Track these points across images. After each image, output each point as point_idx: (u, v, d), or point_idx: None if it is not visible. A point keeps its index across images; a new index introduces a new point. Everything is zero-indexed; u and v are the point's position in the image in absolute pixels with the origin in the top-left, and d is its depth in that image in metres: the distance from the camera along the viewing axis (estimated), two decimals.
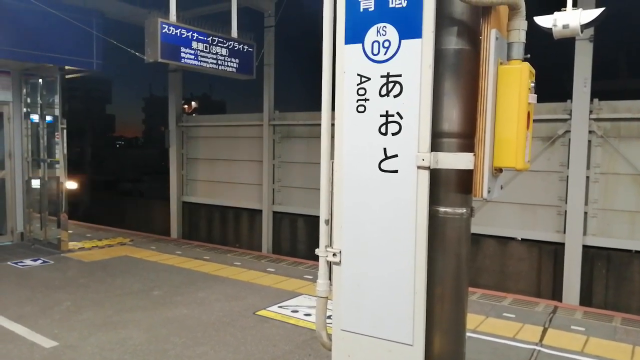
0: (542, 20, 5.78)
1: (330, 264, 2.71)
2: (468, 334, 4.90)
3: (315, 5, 3.27)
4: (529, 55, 2.43)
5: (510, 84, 2.35)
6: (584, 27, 5.40)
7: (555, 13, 4.06)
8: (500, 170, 2.51)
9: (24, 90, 9.06)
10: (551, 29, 5.29)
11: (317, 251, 2.73)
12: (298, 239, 10.04)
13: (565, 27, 5.15)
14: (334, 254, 2.64)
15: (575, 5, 3.83)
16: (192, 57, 6.97)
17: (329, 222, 2.68)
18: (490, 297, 6.14)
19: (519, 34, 2.41)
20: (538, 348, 4.67)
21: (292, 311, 5.60)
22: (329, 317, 2.73)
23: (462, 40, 2.37)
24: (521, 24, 2.41)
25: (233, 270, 7.39)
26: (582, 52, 6.90)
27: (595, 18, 5.82)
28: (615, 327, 5.24)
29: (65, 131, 8.44)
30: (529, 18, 2.54)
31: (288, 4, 9.57)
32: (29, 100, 9.07)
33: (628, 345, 4.74)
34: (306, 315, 5.42)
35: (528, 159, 2.49)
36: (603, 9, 5.30)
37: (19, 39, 7.58)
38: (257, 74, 8.01)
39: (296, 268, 7.57)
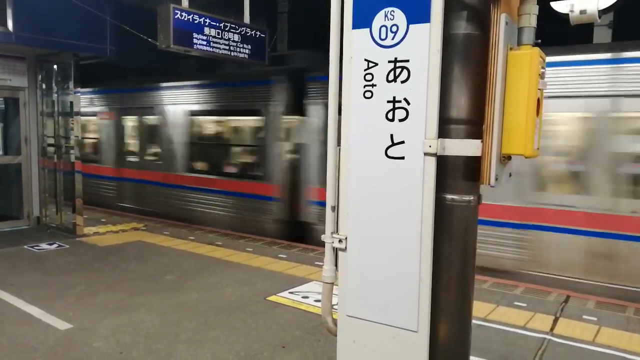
0: (559, 6, 5.64)
1: (336, 250, 2.71)
2: (478, 322, 4.90)
3: None
4: (539, 41, 2.38)
5: (520, 69, 2.31)
6: (602, 12, 5.27)
7: None
8: (509, 157, 2.48)
9: (39, 76, 9.14)
10: (568, 14, 5.14)
11: (323, 237, 2.73)
12: None
13: (582, 12, 5.00)
14: (340, 240, 2.64)
15: None
16: (205, 43, 6.96)
17: (336, 208, 2.68)
18: (501, 286, 6.11)
19: (530, 19, 2.36)
20: (548, 337, 4.64)
21: (303, 297, 5.63)
22: (336, 303, 2.74)
23: (471, 25, 2.32)
24: (532, 9, 2.36)
25: (245, 256, 7.45)
26: (600, 39, 6.72)
27: (614, 3, 5.67)
28: (628, 317, 5.18)
29: (79, 117, 8.52)
30: (546, 2, 2.49)
31: None
32: (44, 86, 9.15)
33: None
34: (316, 301, 5.45)
35: (537, 146, 2.46)
36: None
37: (34, 25, 7.62)
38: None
39: (307, 254, 7.60)
